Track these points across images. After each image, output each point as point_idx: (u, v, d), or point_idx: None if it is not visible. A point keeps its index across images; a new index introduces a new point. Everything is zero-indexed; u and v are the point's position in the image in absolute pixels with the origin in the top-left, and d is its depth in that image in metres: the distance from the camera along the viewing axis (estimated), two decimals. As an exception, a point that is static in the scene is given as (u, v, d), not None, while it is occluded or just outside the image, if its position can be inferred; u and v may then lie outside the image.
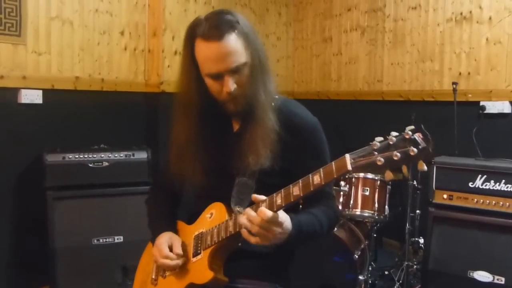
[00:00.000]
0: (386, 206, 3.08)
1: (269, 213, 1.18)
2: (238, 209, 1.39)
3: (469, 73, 3.46)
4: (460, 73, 3.50)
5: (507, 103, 3.25)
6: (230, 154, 1.42)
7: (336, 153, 1.18)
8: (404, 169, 1.02)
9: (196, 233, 1.45)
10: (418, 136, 1.00)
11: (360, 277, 2.71)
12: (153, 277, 1.54)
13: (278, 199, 1.20)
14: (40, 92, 2.94)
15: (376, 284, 3.12)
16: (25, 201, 2.89)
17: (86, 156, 2.80)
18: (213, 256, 1.38)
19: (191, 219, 1.52)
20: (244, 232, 1.23)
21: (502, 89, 3.28)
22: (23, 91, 2.86)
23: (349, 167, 1.07)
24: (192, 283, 1.40)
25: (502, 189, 2.46)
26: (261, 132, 1.36)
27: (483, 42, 3.38)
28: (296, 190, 1.17)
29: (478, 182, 2.53)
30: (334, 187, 2.83)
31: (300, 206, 1.21)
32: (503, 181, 2.46)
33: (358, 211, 3.02)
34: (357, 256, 2.71)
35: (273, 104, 1.41)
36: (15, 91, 2.84)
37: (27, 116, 2.90)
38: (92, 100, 3.23)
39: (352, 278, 2.69)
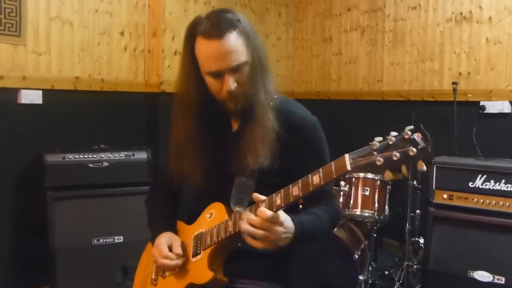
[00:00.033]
0: (386, 206, 3.08)
1: (269, 212, 1.17)
2: (237, 209, 1.39)
3: (469, 73, 3.45)
4: (460, 73, 3.50)
5: (507, 103, 3.25)
6: (229, 154, 1.42)
7: (336, 153, 1.18)
8: (404, 169, 1.02)
9: (196, 233, 1.45)
10: (417, 136, 1.00)
11: (360, 277, 2.71)
12: (153, 277, 1.54)
13: (278, 200, 1.19)
14: (40, 92, 2.94)
15: (376, 284, 3.12)
16: (25, 201, 2.90)
17: (86, 156, 2.80)
18: (213, 256, 1.37)
19: (190, 219, 1.52)
20: (248, 239, 1.22)
21: (502, 89, 3.28)
22: (23, 92, 2.86)
23: (349, 167, 1.07)
24: (191, 283, 1.40)
25: (502, 189, 2.46)
26: (261, 132, 1.36)
27: (483, 42, 3.38)
28: (295, 190, 1.17)
29: (478, 182, 2.53)
30: (334, 187, 2.82)
31: (301, 206, 1.21)
32: (503, 181, 2.46)
33: (358, 211, 3.02)
34: (357, 256, 2.71)
35: (272, 103, 1.41)
36: (15, 91, 2.84)
37: (27, 116, 2.90)
38: (92, 100, 3.23)
39: (353, 278, 2.70)
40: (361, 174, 3.04)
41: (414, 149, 0.99)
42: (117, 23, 3.36)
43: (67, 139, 3.05)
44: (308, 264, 2.66)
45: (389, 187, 3.12)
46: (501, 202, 2.46)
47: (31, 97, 2.90)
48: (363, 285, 2.76)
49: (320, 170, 1.14)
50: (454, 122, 3.12)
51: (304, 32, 4.72)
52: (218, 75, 1.35)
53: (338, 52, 4.42)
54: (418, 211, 3.05)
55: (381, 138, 1.05)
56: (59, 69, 3.06)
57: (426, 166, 0.99)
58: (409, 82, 3.84)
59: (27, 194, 2.89)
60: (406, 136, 1.01)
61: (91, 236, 2.76)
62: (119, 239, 2.82)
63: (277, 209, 1.19)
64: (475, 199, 2.53)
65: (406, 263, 2.98)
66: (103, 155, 2.85)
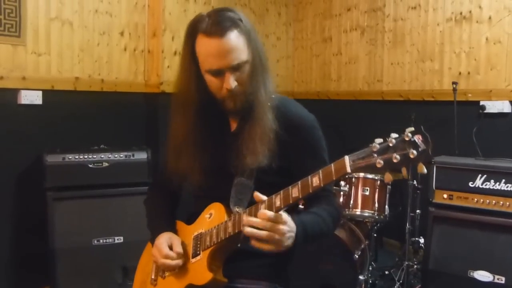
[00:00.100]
0: (386, 206, 3.07)
1: (270, 212, 1.17)
2: (237, 209, 1.38)
3: (469, 73, 3.45)
4: (460, 73, 3.50)
5: (507, 102, 3.25)
6: (228, 154, 1.42)
7: (336, 153, 1.18)
8: (404, 171, 1.02)
9: (195, 233, 1.45)
10: (418, 139, 1.00)
11: (361, 277, 2.71)
12: (153, 277, 1.54)
13: (277, 201, 1.19)
14: (40, 93, 2.94)
15: (377, 284, 3.12)
16: (25, 202, 2.90)
17: (86, 156, 2.80)
18: (212, 257, 1.37)
19: (190, 219, 1.52)
20: (254, 242, 1.22)
21: (502, 88, 3.28)
22: (23, 92, 2.86)
23: (348, 170, 1.07)
24: (191, 284, 1.40)
25: (502, 188, 2.46)
26: (260, 131, 1.36)
27: (483, 42, 3.38)
28: (295, 192, 1.17)
29: (478, 182, 2.53)
30: (334, 187, 2.83)
31: (301, 206, 1.20)
32: (503, 180, 2.46)
33: (358, 211, 3.02)
34: (357, 256, 2.71)
35: (270, 103, 1.41)
36: (15, 92, 2.84)
37: (27, 117, 2.90)
38: (92, 100, 3.23)
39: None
40: (361, 174, 3.04)
41: (415, 152, 0.99)
42: (117, 24, 3.36)
43: (67, 139, 3.05)
44: (308, 264, 2.66)
45: (389, 187, 3.12)
46: (501, 202, 2.46)
47: (31, 97, 2.90)
48: (363, 285, 2.76)
49: (320, 171, 1.14)
50: (454, 122, 3.12)
51: (304, 32, 4.72)
52: (219, 73, 1.35)
53: (338, 52, 4.42)
54: (418, 211, 3.05)
55: (381, 140, 1.04)
56: (59, 69, 3.06)
57: (426, 168, 0.99)
58: (409, 82, 3.84)
59: (27, 194, 2.89)
60: (407, 139, 1.00)
61: (91, 237, 2.76)
62: (119, 239, 2.82)
63: (277, 211, 1.19)
64: (475, 199, 2.53)
65: (406, 263, 2.98)
66: (103, 156, 2.85)
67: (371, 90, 4.13)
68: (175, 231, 1.53)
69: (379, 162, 1.02)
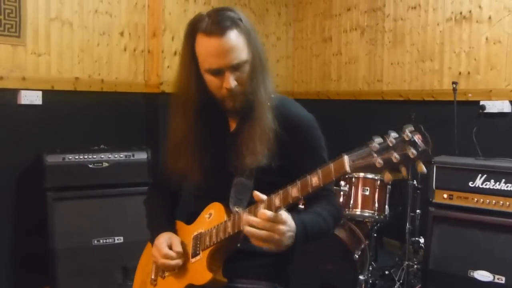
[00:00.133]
0: (386, 206, 3.07)
1: (269, 212, 1.17)
2: (236, 209, 1.38)
3: (469, 73, 3.45)
4: (460, 73, 3.50)
5: (507, 102, 3.25)
6: (227, 154, 1.42)
7: (336, 154, 1.17)
8: (404, 171, 1.01)
9: (195, 233, 1.45)
10: (417, 138, 0.99)
11: (361, 277, 2.71)
12: (153, 277, 1.54)
13: (277, 201, 1.19)
14: (40, 93, 2.94)
15: (377, 284, 3.12)
16: (25, 202, 2.90)
17: (86, 156, 2.80)
18: (212, 257, 1.37)
19: (190, 219, 1.52)
20: (254, 240, 1.21)
21: (502, 88, 3.27)
22: (23, 92, 2.86)
23: (348, 169, 1.07)
24: (191, 284, 1.39)
25: (502, 188, 2.46)
26: (259, 131, 1.36)
27: (482, 42, 3.38)
28: (294, 191, 1.17)
29: (478, 182, 2.53)
30: (334, 187, 2.83)
31: (302, 206, 1.20)
32: (503, 180, 2.46)
33: (358, 211, 3.02)
34: (357, 256, 2.71)
35: (270, 103, 1.41)
36: (14, 92, 2.84)
37: (27, 117, 2.90)
38: (92, 101, 3.23)
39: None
40: (361, 174, 3.04)
41: (414, 151, 0.98)
42: (116, 24, 3.36)
43: (67, 139, 3.05)
44: (308, 264, 2.66)
45: (389, 187, 3.12)
46: (501, 202, 2.46)
47: (31, 98, 2.90)
48: (363, 285, 2.76)
49: (319, 171, 1.13)
50: (454, 121, 3.12)
51: (304, 32, 4.72)
52: (218, 72, 1.34)
53: (338, 52, 4.42)
54: (418, 211, 3.05)
55: (380, 139, 1.04)
56: (59, 69, 3.06)
57: (426, 168, 0.99)
58: (409, 81, 3.84)
59: (27, 194, 2.89)
60: (407, 138, 1.00)
61: (91, 237, 2.76)
62: (119, 239, 2.82)
63: (276, 210, 1.19)
64: (475, 199, 2.53)
65: (406, 263, 2.98)
66: (103, 156, 2.85)
67: (371, 90, 4.13)
68: (174, 231, 1.52)
69: (379, 162, 1.02)
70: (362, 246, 2.86)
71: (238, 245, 1.36)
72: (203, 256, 1.38)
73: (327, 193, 1.45)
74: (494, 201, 2.48)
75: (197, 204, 1.52)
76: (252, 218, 1.19)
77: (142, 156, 2.96)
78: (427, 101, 3.69)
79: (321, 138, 1.48)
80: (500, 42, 3.28)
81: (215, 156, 1.45)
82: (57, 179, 2.71)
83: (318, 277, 2.73)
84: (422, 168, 0.99)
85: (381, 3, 4.02)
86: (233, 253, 1.40)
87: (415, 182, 3.03)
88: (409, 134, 1.00)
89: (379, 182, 3.05)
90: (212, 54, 1.32)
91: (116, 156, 2.88)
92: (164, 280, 1.50)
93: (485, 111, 3.32)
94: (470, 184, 2.55)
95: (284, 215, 1.21)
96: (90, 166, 2.80)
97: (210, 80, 1.38)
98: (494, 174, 2.49)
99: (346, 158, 1.08)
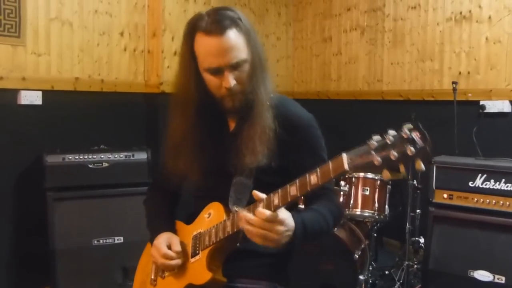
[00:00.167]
0: (386, 206, 3.07)
1: (268, 212, 1.17)
2: (236, 209, 1.38)
3: (469, 73, 3.45)
4: (460, 73, 3.50)
5: (507, 102, 3.25)
6: (227, 154, 1.41)
7: (336, 153, 1.17)
8: (402, 168, 1.01)
9: (195, 233, 1.45)
10: (416, 136, 0.99)
11: (361, 277, 2.71)
12: (152, 277, 1.54)
13: (276, 199, 1.19)
14: (40, 93, 2.94)
15: (377, 284, 3.11)
16: (25, 202, 2.90)
17: (86, 157, 2.80)
18: (212, 256, 1.37)
19: (189, 219, 1.52)
20: (251, 237, 1.21)
21: (502, 88, 3.27)
22: (23, 92, 2.86)
23: (346, 167, 1.06)
24: (190, 284, 1.39)
25: (502, 188, 2.46)
26: (259, 130, 1.36)
27: (482, 42, 3.37)
28: (293, 190, 1.17)
29: (478, 182, 2.53)
30: (334, 187, 2.83)
31: (302, 206, 1.20)
32: (503, 180, 2.46)
33: (358, 211, 3.02)
34: (357, 256, 2.71)
35: (269, 102, 1.41)
36: (14, 92, 2.85)
37: (27, 117, 2.90)
38: (92, 101, 3.23)
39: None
40: (361, 174, 3.04)
41: (413, 149, 0.98)
42: (116, 24, 3.36)
43: (67, 139, 3.05)
44: (308, 264, 2.66)
45: (389, 186, 3.12)
46: (501, 202, 2.46)
47: (31, 98, 2.90)
48: (363, 285, 2.75)
49: (318, 169, 1.13)
50: (454, 121, 3.12)
51: (304, 32, 4.72)
52: (218, 71, 1.34)
53: (338, 52, 4.42)
54: (418, 210, 3.04)
55: (379, 137, 1.04)
56: (59, 70, 3.06)
57: (424, 166, 0.98)
58: (409, 81, 3.84)
59: (27, 195, 2.89)
60: (405, 136, 1.00)
61: (91, 237, 2.76)
62: (119, 239, 2.82)
63: (275, 209, 1.19)
64: (475, 199, 2.53)
65: (407, 262, 2.98)
66: (103, 156, 2.85)
67: (371, 90, 4.13)
68: (174, 231, 1.52)
69: (377, 160, 1.02)
70: (362, 246, 2.86)
71: (238, 244, 1.36)
72: (202, 255, 1.38)
73: (327, 192, 1.45)
74: (494, 201, 2.48)
75: (196, 204, 1.52)
76: (250, 216, 1.19)
77: (142, 156, 2.96)
78: (427, 101, 3.69)
79: (321, 138, 1.48)
80: (500, 42, 3.28)
81: (214, 156, 1.45)
82: (57, 179, 2.71)
83: (318, 277, 2.73)
84: (421, 165, 0.99)
85: (381, 3, 4.02)
86: (233, 253, 1.40)
87: (415, 182, 3.03)
88: (408, 132, 1.00)
89: (379, 182, 3.05)
90: (212, 53, 1.32)
91: (116, 156, 2.88)
92: (164, 280, 1.50)
93: (485, 111, 3.32)
94: (470, 184, 2.55)
95: (283, 214, 1.21)
96: (90, 166, 2.80)
97: (210, 79, 1.37)
98: (494, 174, 2.49)
99: (344, 156, 1.07)
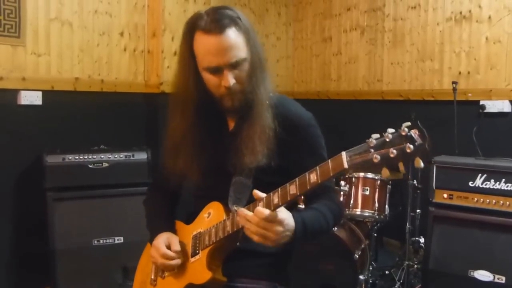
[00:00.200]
0: (386, 206, 3.07)
1: (266, 211, 1.16)
2: (235, 208, 1.38)
3: (469, 72, 3.45)
4: (460, 72, 3.50)
5: (507, 102, 3.25)
6: (226, 153, 1.41)
7: (335, 153, 1.18)
8: (401, 166, 1.01)
9: (194, 233, 1.44)
10: (414, 133, 0.99)
11: (361, 277, 2.71)
12: (152, 277, 1.54)
13: (275, 198, 1.19)
14: (40, 93, 2.94)
15: (377, 284, 3.11)
16: (25, 202, 2.90)
17: (86, 157, 2.80)
18: (211, 256, 1.37)
19: (189, 219, 1.52)
20: (250, 235, 1.21)
21: (502, 88, 3.27)
22: (23, 93, 2.86)
23: (346, 165, 1.06)
24: (190, 284, 1.39)
25: (502, 188, 2.46)
26: (259, 130, 1.36)
27: (482, 41, 3.37)
28: (293, 188, 1.16)
29: (478, 181, 2.53)
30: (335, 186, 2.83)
31: (302, 206, 1.19)
32: (503, 180, 2.46)
33: (358, 211, 3.02)
34: (357, 256, 2.71)
35: (268, 102, 1.40)
36: (14, 92, 2.85)
37: (27, 117, 2.90)
38: (91, 101, 3.23)
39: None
40: (361, 174, 3.04)
41: (411, 146, 0.98)
42: (116, 24, 3.36)
43: (67, 140, 3.05)
44: (308, 264, 2.66)
45: (389, 186, 3.12)
46: (501, 202, 2.45)
47: (31, 98, 2.90)
48: (363, 285, 2.75)
49: (317, 168, 1.13)
50: (454, 121, 3.12)
51: (304, 32, 4.72)
52: (217, 70, 1.34)
53: (338, 52, 4.42)
54: (418, 210, 3.04)
55: (378, 135, 1.04)
56: (59, 70, 3.06)
57: (423, 163, 0.99)
58: (409, 81, 3.84)
59: (27, 195, 2.89)
60: (403, 133, 1.00)
61: (91, 237, 2.76)
62: (119, 239, 2.82)
63: (275, 208, 1.19)
64: (475, 199, 2.52)
65: (407, 262, 2.98)
66: (103, 156, 2.85)
67: (371, 90, 4.13)
68: (174, 231, 1.52)
69: (376, 157, 1.02)
70: (362, 246, 2.86)
71: (238, 244, 1.36)
72: (202, 255, 1.38)
73: (327, 191, 1.45)
74: (494, 201, 2.48)
75: (196, 204, 1.52)
76: (249, 214, 1.19)
77: (142, 156, 2.96)
78: (427, 101, 3.68)
79: (321, 137, 1.48)
80: (500, 41, 3.28)
81: (214, 156, 1.45)
82: (57, 179, 2.71)
83: (318, 277, 2.73)
84: (420, 163, 0.99)
85: (381, 3, 4.02)
86: (233, 252, 1.40)
87: (415, 182, 3.03)
88: (406, 130, 1.00)
89: (379, 182, 3.04)
90: (211, 52, 1.32)
91: (116, 156, 2.88)
92: (163, 280, 1.50)
93: (485, 111, 3.32)
94: (470, 184, 2.54)
95: (282, 214, 1.21)
96: (90, 166, 2.80)
97: (209, 78, 1.37)
98: (494, 174, 2.49)
99: (344, 155, 1.08)
